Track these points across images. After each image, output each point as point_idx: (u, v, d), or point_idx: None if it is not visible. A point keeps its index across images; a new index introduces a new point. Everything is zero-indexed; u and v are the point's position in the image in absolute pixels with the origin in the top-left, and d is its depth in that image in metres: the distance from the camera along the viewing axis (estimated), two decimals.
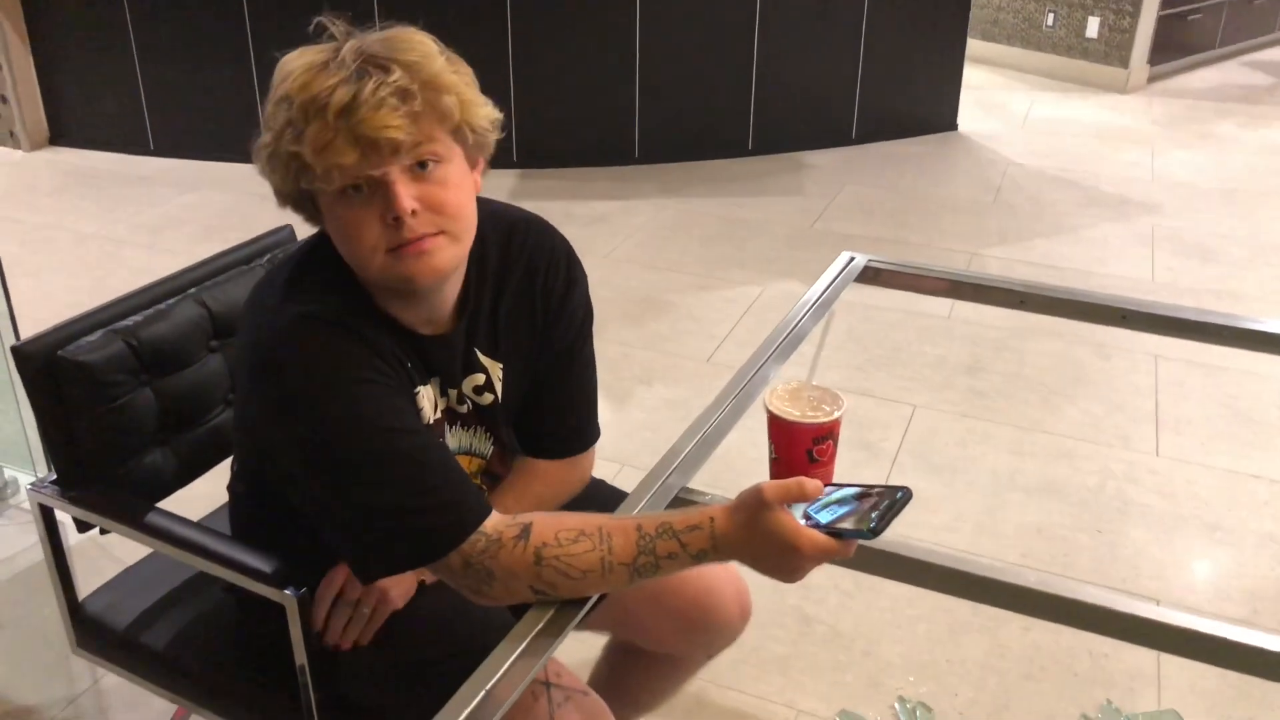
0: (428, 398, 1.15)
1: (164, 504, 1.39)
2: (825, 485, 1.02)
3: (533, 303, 1.23)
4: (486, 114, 1.05)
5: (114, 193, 4.29)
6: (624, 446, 2.58)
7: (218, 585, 1.41)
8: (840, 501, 1.00)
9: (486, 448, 1.25)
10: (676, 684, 1.57)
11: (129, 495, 1.38)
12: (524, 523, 1.03)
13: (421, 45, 1.01)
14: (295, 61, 1.00)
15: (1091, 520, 2.36)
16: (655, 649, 1.47)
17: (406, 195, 0.99)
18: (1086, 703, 1.87)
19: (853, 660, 1.97)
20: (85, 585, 1.48)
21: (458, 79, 1.02)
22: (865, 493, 1.00)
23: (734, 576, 1.43)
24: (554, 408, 1.28)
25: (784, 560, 0.97)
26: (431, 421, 1.16)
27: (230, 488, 1.33)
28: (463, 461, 1.22)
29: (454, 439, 1.21)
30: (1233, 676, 1.92)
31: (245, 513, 1.31)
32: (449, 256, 1.05)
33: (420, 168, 1.00)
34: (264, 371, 1.04)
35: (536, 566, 1.00)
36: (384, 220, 1.00)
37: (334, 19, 1.03)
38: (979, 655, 1.98)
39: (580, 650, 1.61)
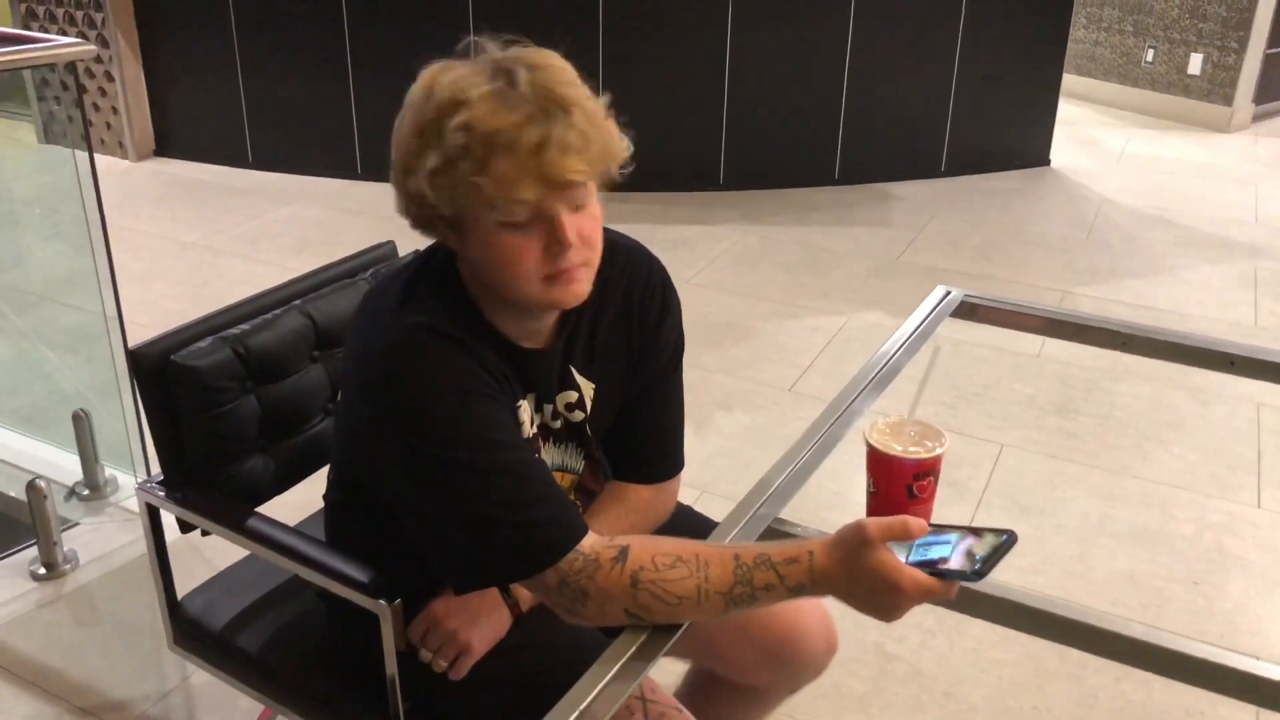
0: (526, 412, 1.17)
1: (261, 509, 1.43)
2: (927, 523, 1.00)
3: (629, 326, 1.24)
4: (626, 151, 1.08)
5: (214, 204, 4.44)
6: (703, 473, 2.57)
7: (311, 591, 1.43)
8: (943, 542, 0.98)
9: (578, 464, 1.26)
10: (757, 717, 1.55)
11: (231, 498, 1.42)
12: (622, 545, 1.03)
13: (573, 73, 1.03)
14: (466, 85, 0.99)
15: (1185, 571, 2.28)
16: (738, 680, 1.45)
17: (571, 229, 1.02)
18: None
19: (934, 700, 1.92)
20: (180, 586, 1.52)
21: (607, 112, 1.05)
22: (969, 534, 0.98)
23: (821, 611, 1.41)
24: (645, 432, 1.29)
25: (884, 599, 0.96)
26: (530, 436, 1.17)
27: (326, 496, 1.35)
28: (557, 478, 1.23)
29: (548, 455, 1.22)
30: None
31: (340, 522, 1.34)
32: (589, 282, 1.08)
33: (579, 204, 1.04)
34: (377, 381, 1.06)
35: (633, 590, 1.00)
36: (546, 250, 1.02)
37: (485, 40, 1.05)
38: (1066, 704, 1.92)
39: (660, 676, 1.60)
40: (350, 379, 1.14)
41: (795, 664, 1.40)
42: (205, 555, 1.90)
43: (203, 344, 1.40)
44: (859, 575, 0.96)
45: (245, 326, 1.46)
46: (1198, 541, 2.38)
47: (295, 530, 1.37)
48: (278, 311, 1.51)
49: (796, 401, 2.95)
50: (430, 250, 1.16)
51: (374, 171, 4.61)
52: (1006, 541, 0.96)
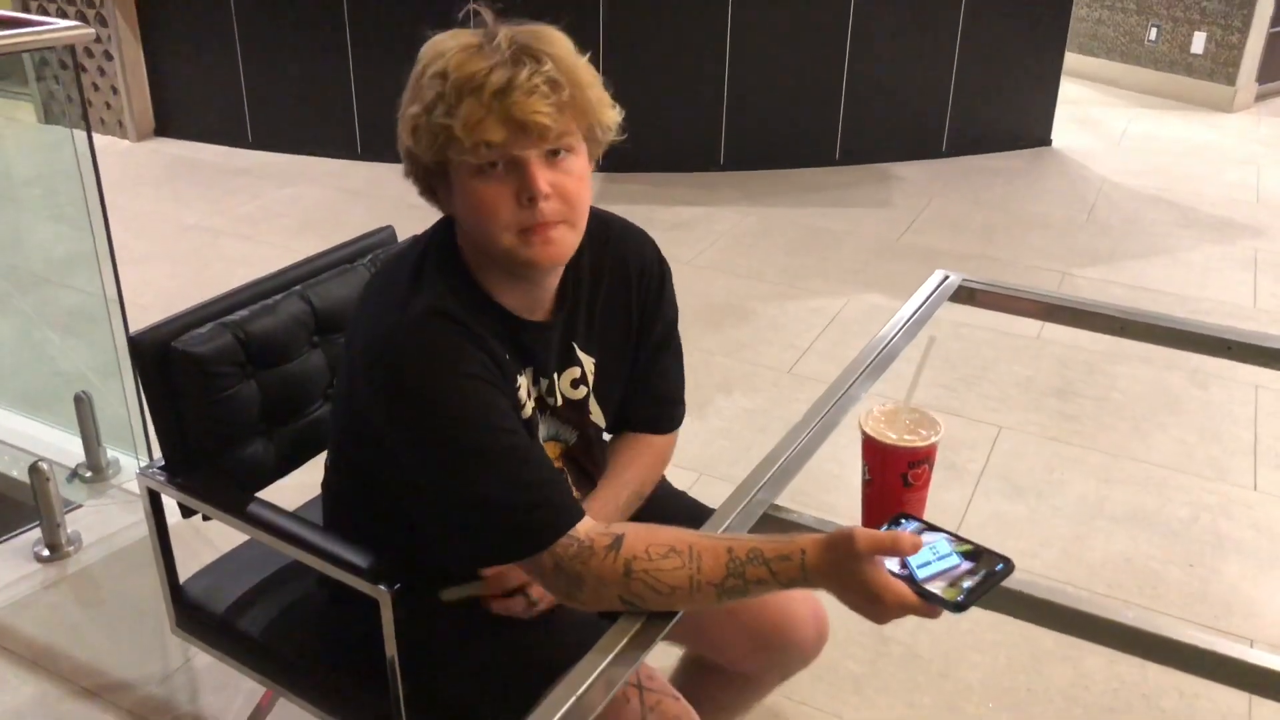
0: (525, 388, 1.18)
1: (261, 494, 1.44)
2: (930, 527, 1.01)
3: (628, 302, 1.27)
4: (614, 116, 1.10)
5: (215, 184, 4.44)
6: (702, 454, 2.58)
7: (311, 576, 1.45)
8: (938, 557, 0.98)
9: (571, 437, 1.28)
10: (749, 703, 1.57)
11: (232, 484, 1.43)
12: (617, 533, 1.04)
13: (566, 43, 1.07)
14: (449, 41, 1.04)
15: (1182, 553, 2.30)
16: (731, 666, 1.47)
17: (542, 178, 1.04)
18: None
19: (930, 682, 1.94)
20: (182, 569, 1.53)
21: (596, 79, 1.08)
22: (968, 555, 0.98)
23: (812, 600, 1.42)
24: (654, 388, 1.34)
25: (866, 607, 0.97)
26: (528, 414, 1.18)
27: (325, 483, 1.36)
28: (548, 447, 1.25)
29: (543, 427, 1.24)
30: None
31: (339, 509, 1.35)
32: (569, 244, 1.10)
33: (553, 155, 1.06)
34: (384, 364, 1.08)
35: (625, 578, 1.02)
36: (518, 200, 1.04)
37: (483, 6, 1.08)
38: (1062, 685, 1.94)
39: (656, 661, 1.61)
40: (356, 361, 1.15)
41: (786, 652, 1.42)
42: (207, 537, 1.91)
43: (203, 330, 1.41)
44: (847, 581, 0.97)
45: (245, 312, 1.46)
46: (1194, 524, 2.39)
47: (295, 516, 1.38)
48: (278, 297, 1.51)
49: (796, 383, 2.96)
50: (433, 230, 1.18)
51: (374, 152, 4.60)
52: (1001, 571, 0.96)
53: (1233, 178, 4.66)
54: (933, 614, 0.96)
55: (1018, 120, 4.92)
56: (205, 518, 1.44)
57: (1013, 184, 4.56)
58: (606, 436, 1.35)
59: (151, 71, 4.85)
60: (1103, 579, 2.21)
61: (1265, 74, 5.62)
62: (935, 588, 0.95)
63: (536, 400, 1.21)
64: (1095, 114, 5.52)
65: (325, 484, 1.37)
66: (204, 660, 1.95)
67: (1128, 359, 3.07)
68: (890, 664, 1.98)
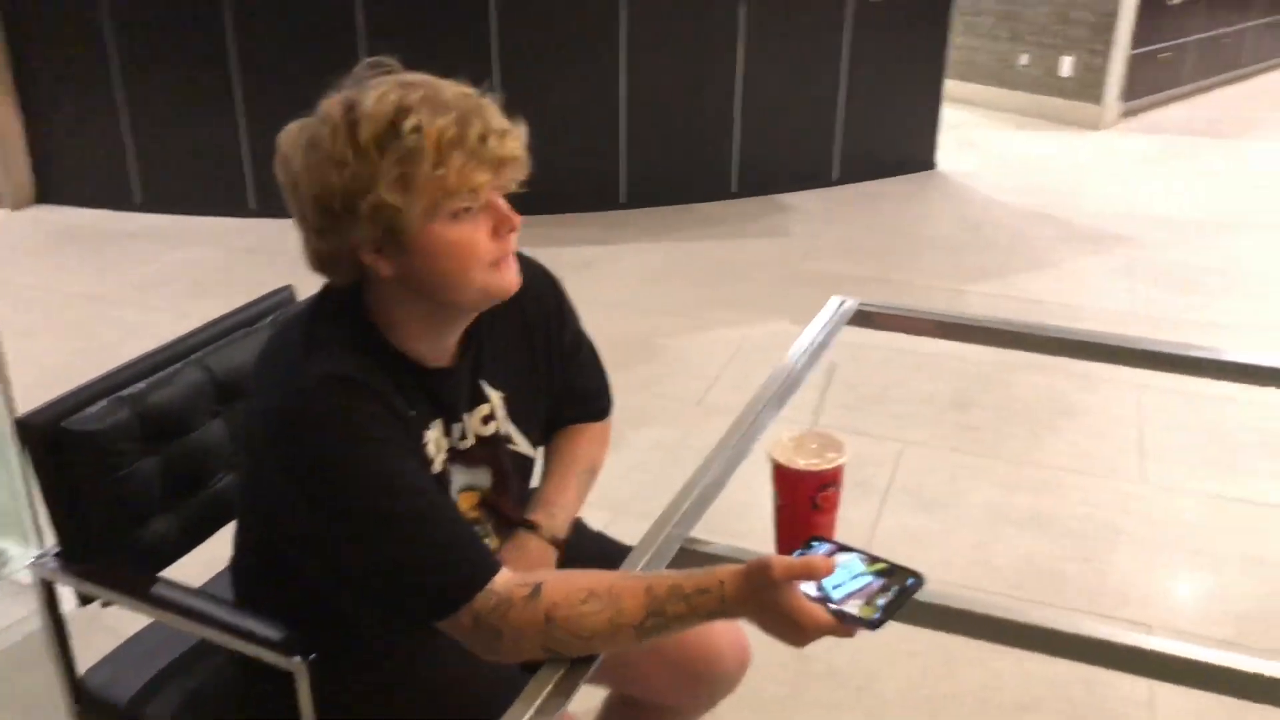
0: (435, 442, 1.18)
1: (166, 572, 1.40)
2: (842, 548, 1.05)
3: (529, 329, 1.31)
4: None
5: (101, 250, 4.32)
6: (619, 490, 2.60)
7: (221, 655, 1.42)
8: (852, 577, 1.02)
9: (486, 481, 1.28)
10: None
11: (133, 566, 1.39)
12: (535, 582, 1.05)
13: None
14: (398, 99, 1.04)
15: (1081, 550, 2.40)
16: (655, 701, 1.48)
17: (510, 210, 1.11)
18: None
19: (850, 697, 1.98)
20: (80, 660, 1.46)
21: None
22: (880, 573, 1.02)
23: (733, 628, 1.45)
24: (576, 390, 1.41)
25: (786, 632, 1.00)
26: (439, 467, 1.19)
27: (235, 558, 1.34)
28: (464, 498, 1.25)
29: (457, 477, 1.24)
30: (1228, 701, 1.94)
31: (251, 582, 1.32)
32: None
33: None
34: (287, 434, 1.07)
35: (547, 626, 1.03)
36: (495, 234, 1.10)
37: (386, 59, 1.11)
38: (975, 688, 2.00)
39: (580, 704, 1.62)
40: (256, 432, 1.14)
41: (710, 681, 1.44)
42: (107, 623, 1.83)
43: (96, 407, 1.37)
44: (765, 609, 1.00)
45: (141, 385, 1.43)
46: (1090, 521, 2.50)
47: (202, 593, 1.35)
48: (175, 367, 1.48)
49: (705, 414, 3.01)
50: (322, 294, 1.17)
51: (269, 208, 4.54)
52: (911, 586, 1.00)
53: (1105, 192, 4.90)
54: (849, 633, 0.99)
55: (904, 146, 5.11)
56: (105, 603, 1.40)
57: (902, 207, 4.72)
58: (539, 460, 1.37)
59: (28, 135, 4.71)
60: (1009, 581, 2.29)
61: (1128, 93, 5.95)
62: (851, 607, 0.98)
63: (448, 451, 1.22)
64: (976, 136, 5.76)
65: (235, 559, 1.34)
66: None
67: (1021, 368, 3.20)
68: (811, 682, 2.02)
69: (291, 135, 1.09)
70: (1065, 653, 1.21)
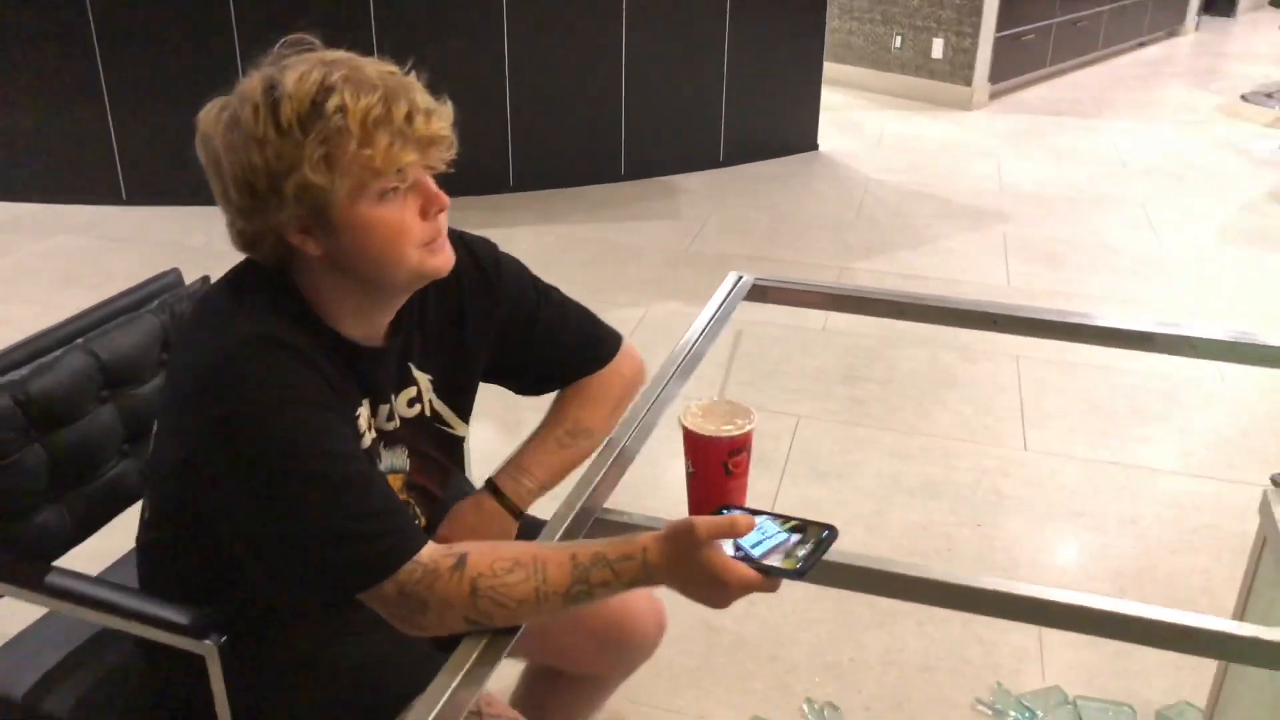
0: (365, 419, 1.16)
1: (57, 563, 1.34)
2: (754, 512, 1.07)
3: (458, 307, 1.27)
4: None
5: None
6: None
7: (123, 642, 1.36)
8: (769, 538, 1.04)
9: (404, 462, 1.26)
10: (596, 703, 1.60)
11: (21, 556, 1.33)
12: (460, 553, 1.04)
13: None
14: (321, 78, 1.02)
15: (970, 515, 2.50)
16: (575, 670, 1.49)
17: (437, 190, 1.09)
18: (979, 687, 1.98)
19: (760, 666, 2.03)
20: None
21: None
22: (794, 529, 1.05)
23: (648, 593, 1.46)
24: (554, 354, 1.37)
25: (712, 593, 1.02)
26: (368, 444, 1.17)
27: (140, 539, 1.29)
28: (390, 480, 1.23)
29: (384, 459, 1.22)
30: (1108, 652, 2.07)
31: (158, 563, 1.27)
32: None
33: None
34: (210, 392, 1.03)
35: (472, 597, 1.02)
36: (424, 215, 1.08)
37: (307, 35, 1.09)
38: (879, 651, 2.07)
39: (496, 681, 1.61)
40: (178, 396, 1.08)
41: (628, 647, 1.45)
42: None
43: None
44: (689, 571, 1.02)
45: (23, 371, 1.36)
46: (977, 487, 2.61)
47: (102, 580, 1.30)
48: (58, 353, 1.42)
49: None
50: (244, 267, 1.13)
51: (141, 196, 4.34)
52: (827, 538, 1.04)
53: (978, 170, 5.10)
54: (773, 587, 1.02)
55: (786, 128, 5.21)
56: None
57: (787, 188, 4.82)
58: (467, 439, 1.35)
59: None
60: (904, 548, 2.38)
61: (996, 75, 6.19)
62: (773, 561, 1.01)
63: (377, 431, 1.20)
64: (855, 118, 5.91)
65: (141, 541, 1.29)
66: None
67: (904, 343, 3.31)
68: (721, 654, 2.06)
69: (211, 114, 1.06)
70: (962, 605, 1.26)
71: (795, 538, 1.04)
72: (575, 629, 1.41)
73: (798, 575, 1.00)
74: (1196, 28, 8.64)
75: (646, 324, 3.41)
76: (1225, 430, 2.90)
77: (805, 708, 1.92)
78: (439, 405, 1.27)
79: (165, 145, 4.32)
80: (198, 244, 4.00)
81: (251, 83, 1.04)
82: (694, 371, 1.61)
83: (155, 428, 1.20)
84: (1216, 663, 1.63)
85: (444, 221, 1.12)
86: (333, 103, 1.01)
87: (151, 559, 1.27)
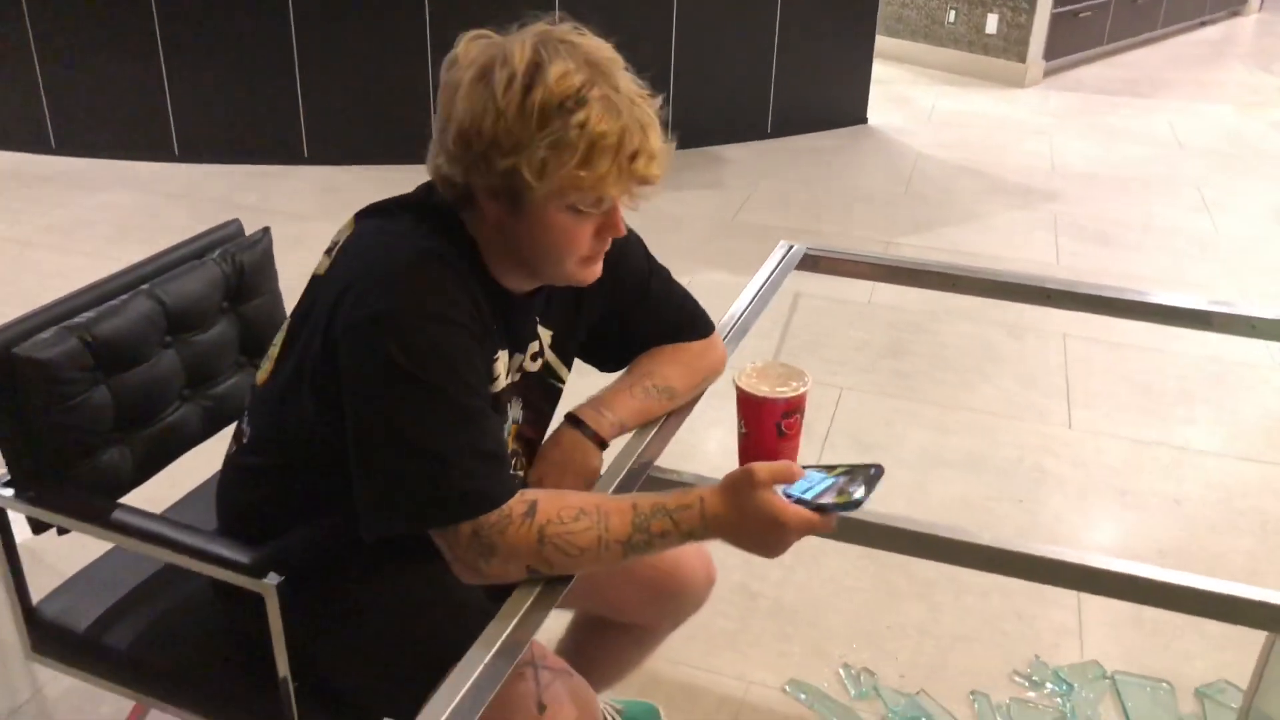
0: (503, 364, 1.19)
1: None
2: (800, 465, 1.08)
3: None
4: None
5: (14, 194, 4.14)
6: None
7: (185, 581, 1.41)
8: (820, 481, 1.06)
9: (520, 414, 1.29)
10: (643, 654, 1.62)
11: (87, 493, 1.37)
12: (530, 500, 1.06)
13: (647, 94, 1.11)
14: (580, 85, 1.03)
15: (1011, 490, 2.49)
16: (624, 619, 1.51)
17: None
18: (1016, 660, 1.98)
19: (798, 631, 2.04)
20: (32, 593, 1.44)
21: None
22: (842, 474, 1.07)
23: (699, 546, 1.48)
24: (654, 329, 1.39)
25: (770, 536, 1.04)
26: (500, 390, 1.19)
27: (228, 464, 1.30)
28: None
29: (508, 409, 1.24)
30: (1146, 627, 2.06)
31: (246, 485, 1.28)
32: None
33: None
34: (376, 291, 1.05)
35: (539, 544, 1.04)
36: (598, 234, 1.12)
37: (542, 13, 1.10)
38: (915, 620, 2.08)
39: (541, 631, 1.64)
40: (342, 296, 1.08)
41: (679, 598, 1.47)
42: (48, 562, 1.81)
43: (46, 335, 1.34)
44: (747, 516, 1.04)
45: (90, 314, 1.40)
46: (1020, 463, 2.60)
47: (166, 518, 1.33)
48: (124, 297, 1.45)
49: None
50: (424, 195, 1.16)
51: (193, 153, 4.39)
52: (875, 474, 1.05)
53: (1029, 148, 5.03)
54: (830, 525, 1.04)
55: (836, 100, 5.16)
56: (61, 531, 1.37)
57: (835, 161, 4.78)
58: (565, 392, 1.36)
59: None
60: (944, 519, 2.35)
61: (1050, 52, 6.08)
62: (827, 500, 1.03)
63: (509, 381, 1.22)
64: (905, 92, 5.84)
65: (229, 466, 1.31)
66: (56, 689, 1.85)
67: (950, 318, 3.29)
68: (759, 618, 2.07)
69: (471, 52, 1.07)
70: (1007, 569, 1.27)
71: (844, 479, 1.06)
72: (627, 579, 1.43)
73: (854, 506, 1.01)
74: (1260, 7, 8.41)
75: (693, 293, 3.41)
76: (1276, 414, 2.86)
77: (841, 672, 1.94)
78: (551, 358, 1.30)
79: (218, 104, 4.37)
80: (249, 202, 4.05)
81: (522, 49, 1.05)
82: (742, 341, 1.62)
83: (278, 345, 1.20)
84: (1259, 644, 1.62)
85: (609, 245, 1.15)
86: (578, 117, 1.02)
87: (238, 485, 1.29)
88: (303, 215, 3.92)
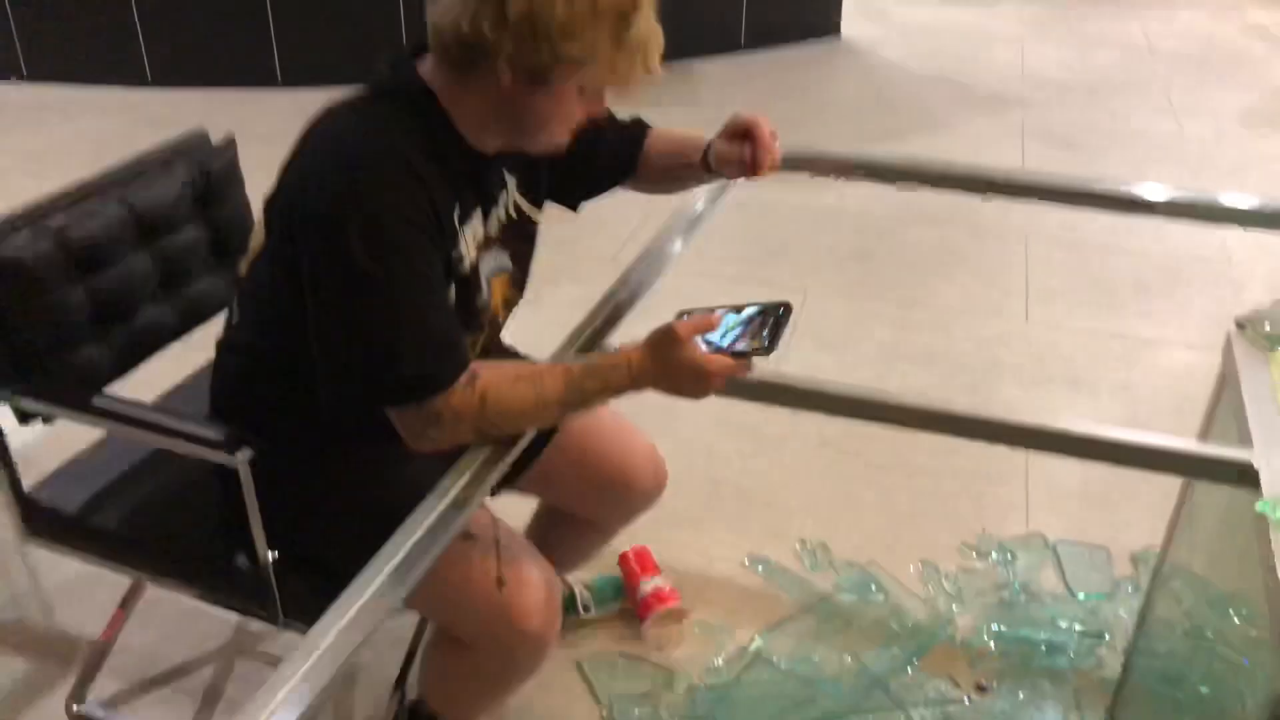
0: (472, 233, 1.25)
1: None
2: (709, 311, 1.19)
3: None
4: None
5: None
6: (536, 344, 2.69)
7: (171, 465, 1.49)
8: (731, 328, 1.17)
9: (506, 262, 1.36)
10: (596, 545, 1.73)
11: (69, 384, 1.44)
12: (473, 370, 1.15)
13: None
14: None
15: (969, 381, 2.59)
16: (578, 513, 1.62)
17: None
18: (965, 533, 2.10)
19: (757, 512, 2.16)
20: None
21: None
22: (752, 316, 1.17)
23: (649, 449, 1.59)
24: (615, 140, 1.53)
25: (696, 385, 1.15)
26: (473, 257, 1.25)
27: (231, 342, 1.36)
28: (497, 283, 1.34)
29: (489, 260, 1.31)
30: (1090, 500, 2.17)
31: (243, 368, 1.35)
32: None
33: None
34: (339, 177, 1.10)
35: (481, 408, 1.14)
36: (582, 112, 1.20)
37: None
38: (871, 501, 2.19)
39: (516, 515, 1.74)
40: (303, 185, 1.16)
41: (627, 497, 1.59)
42: (32, 459, 1.88)
43: (20, 236, 1.41)
44: (671, 369, 1.15)
45: (62, 218, 1.47)
46: (977, 355, 2.69)
47: (142, 403, 1.41)
48: (94, 202, 1.52)
49: (619, 269, 3.09)
50: (390, 80, 1.20)
51: (168, 78, 4.39)
52: (783, 314, 1.16)
53: (1002, 57, 5.04)
54: (747, 369, 1.16)
55: (809, 12, 5.14)
56: (46, 421, 1.45)
57: (808, 73, 4.79)
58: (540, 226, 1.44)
59: None
60: None
61: None
62: (742, 347, 1.14)
63: (483, 239, 1.28)
64: (877, 4, 5.81)
65: (231, 343, 1.37)
66: (53, 579, 1.95)
67: (915, 221, 3.36)
68: (721, 501, 2.18)
69: None
70: (949, 429, 1.38)
71: (755, 322, 1.16)
72: (578, 477, 1.54)
73: (766, 353, 1.13)
74: None
75: (661, 204, 3.45)
76: (1230, 307, 2.95)
77: (798, 547, 2.05)
78: (520, 200, 1.37)
79: (190, 27, 4.36)
80: (227, 127, 4.06)
81: None
82: (695, 233, 1.69)
83: (258, 236, 1.26)
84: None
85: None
86: (636, 21, 1.13)
87: (225, 369, 1.37)
88: (278, 138, 3.94)
